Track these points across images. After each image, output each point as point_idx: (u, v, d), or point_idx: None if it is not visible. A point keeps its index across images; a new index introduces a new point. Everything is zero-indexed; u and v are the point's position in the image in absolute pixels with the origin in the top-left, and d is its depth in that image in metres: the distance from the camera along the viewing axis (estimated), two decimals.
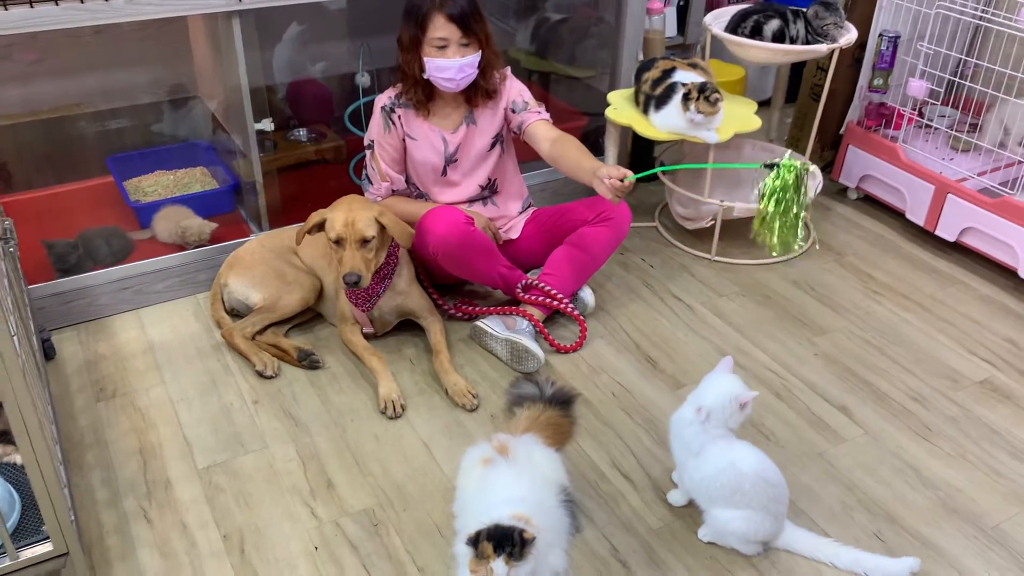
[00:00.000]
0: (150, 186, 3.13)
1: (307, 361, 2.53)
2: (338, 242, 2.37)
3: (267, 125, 2.76)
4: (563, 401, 2.28)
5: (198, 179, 3.19)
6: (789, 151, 2.39)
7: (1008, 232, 2.86)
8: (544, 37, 3.07)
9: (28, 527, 1.68)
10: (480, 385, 2.47)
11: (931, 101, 3.17)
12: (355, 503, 2.10)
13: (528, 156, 2.92)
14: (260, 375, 2.48)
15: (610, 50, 3.32)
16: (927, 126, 3.34)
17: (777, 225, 2.38)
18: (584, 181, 2.58)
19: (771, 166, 2.31)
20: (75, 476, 2.16)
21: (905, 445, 2.32)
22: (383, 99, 2.65)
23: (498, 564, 1.68)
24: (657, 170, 2.60)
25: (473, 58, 2.49)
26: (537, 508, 1.83)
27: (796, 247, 2.41)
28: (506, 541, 1.70)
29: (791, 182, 2.33)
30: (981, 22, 3.14)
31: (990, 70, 3.05)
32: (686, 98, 2.75)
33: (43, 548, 1.63)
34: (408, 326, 2.68)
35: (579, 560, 1.97)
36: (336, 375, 2.52)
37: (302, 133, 3.41)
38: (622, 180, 2.38)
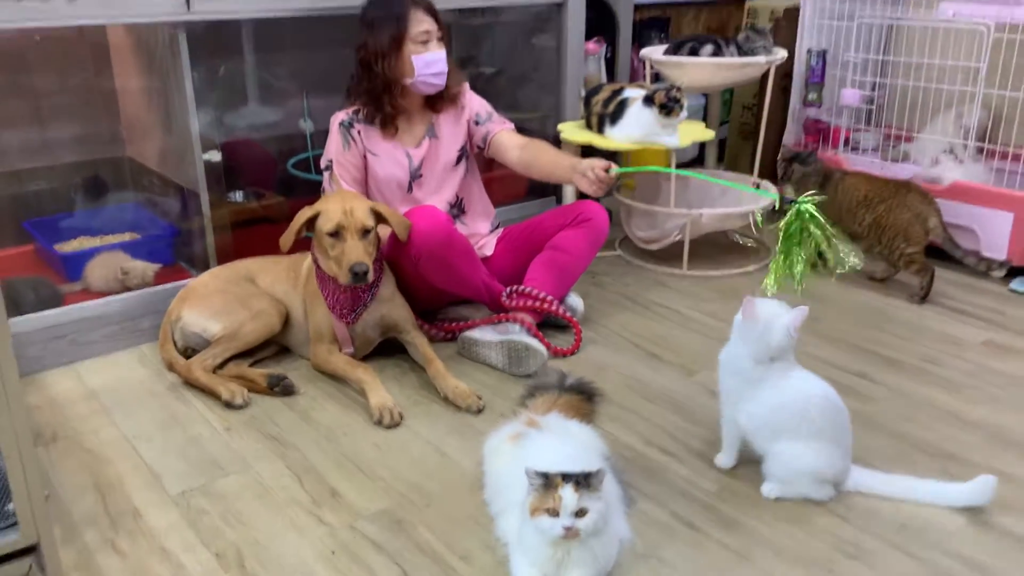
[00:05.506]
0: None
1: (280, 387, 2.23)
2: (336, 234, 2.17)
3: (215, 156, 2.57)
4: (582, 390, 2.09)
5: None
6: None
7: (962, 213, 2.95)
8: (483, 90, 3.07)
9: None
10: (481, 393, 2.23)
11: (860, 127, 3.31)
12: (369, 506, 1.79)
13: (497, 196, 2.85)
14: (228, 405, 2.17)
15: (551, 93, 3.35)
16: (854, 149, 3.46)
17: (784, 262, 1.90)
18: (563, 180, 2.50)
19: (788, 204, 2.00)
20: None
21: (934, 396, 2.21)
22: (340, 116, 2.53)
23: (566, 490, 1.44)
24: (643, 169, 2.55)
25: (445, 52, 2.44)
26: (588, 468, 1.60)
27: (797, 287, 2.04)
28: (573, 477, 1.47)
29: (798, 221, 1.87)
30: (900, 21, 3.31)
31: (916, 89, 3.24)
32: (650, 101, 2.74)
33: (8, 537, 1.27)
34: (385, 350, 2.43)
35: (640, 528, 1.71)
36: (315, 398, 2.23)
37: (239, 195, 3.22)
38: (607, 171, 2.32)
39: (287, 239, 2.22)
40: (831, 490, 1.79)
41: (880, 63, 3.37)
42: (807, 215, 1.85)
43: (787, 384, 1.75)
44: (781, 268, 1.91)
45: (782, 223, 1.90)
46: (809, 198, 1.87)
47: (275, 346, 2.44)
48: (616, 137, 2.88)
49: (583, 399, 2.07)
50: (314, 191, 2.72)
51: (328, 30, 2.88)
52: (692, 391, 2.25)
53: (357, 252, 2.15)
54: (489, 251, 2.67)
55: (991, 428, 2.07)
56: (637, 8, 4.01)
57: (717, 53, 3.15)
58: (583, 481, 1.46)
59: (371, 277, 2.17)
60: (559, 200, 3.37)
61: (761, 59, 3.07)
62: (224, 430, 2.08)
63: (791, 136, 3.46)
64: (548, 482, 1.47)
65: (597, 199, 2.80)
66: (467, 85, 2.66)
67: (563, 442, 1.72)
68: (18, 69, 2.75)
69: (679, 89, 2.74)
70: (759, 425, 1.78)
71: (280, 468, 1.92)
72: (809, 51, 3.32)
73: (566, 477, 1.46)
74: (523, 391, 2.09)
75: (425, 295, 2.51)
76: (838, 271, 1.89)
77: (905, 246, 2.75)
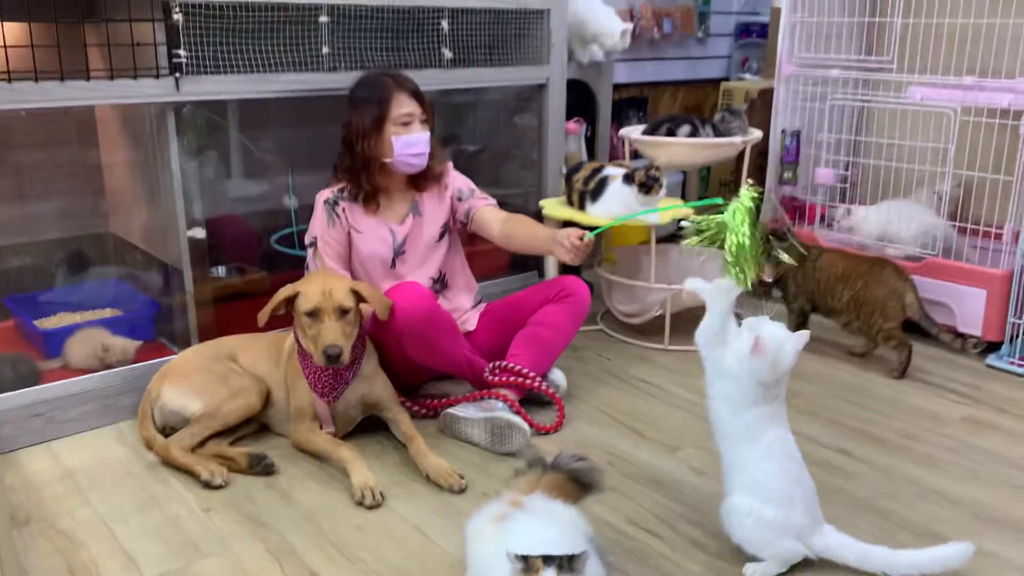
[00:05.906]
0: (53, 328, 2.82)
1: (260, 466, 2.20)
2: (313, 314, 2.18)
3: (199, 233, 2.58)
4: (572, 468, 2.05)
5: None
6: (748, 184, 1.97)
7: (937, 289, 3.00)
8: (465, 167, 3.14)
9: None
10: (464, 471, 2.21)
11: (835, 204, 3.39)
12: None
13: (480, 271, 2.87)
14: (207, 485, 2.13)
15: (533, 170, 3.42)
16: (830, 226, 3.53)
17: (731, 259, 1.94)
18: (542, 250, 2.55)
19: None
20: None
21: (915, 473, 2.22)
22: (326, 194, 2.56)
23: (548, 574, 1.44)
24: (612, 223, 2.60)
25: (429, 134, 2.50)
26: (571, 551, 1.59)
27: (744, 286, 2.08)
28: (555, 560, 1.46)
29: (731, 219, 1.90)
30: (870, 103, 3.42)
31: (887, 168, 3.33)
32: (630, 179, 2.80)
33: None
34: (366, 427, 2.42)
35: None
36: (296, 477, 2.20)
37: (222, 271, 3.23)
38: (581, 239, 2.37)
39: (263, 316, 2.23)
40: (801, 547, 1.79)
41: (853, 143, 3.47)
42: (738, 214, 1.84)
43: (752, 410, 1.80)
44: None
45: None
46: (749, 193, 1.87)
47: (255, 424, 2.42)
48: (597, 214, 2.93)
49: (565, 477, 2.05)
50: (298, 267, 2.74)
51: (314, 108, 2.93)
52: (675, 468, 2.25)
53: (333, 334, 2.16)
54: (472, 326, 2.68)
55: (974, 506, 2.08)
56: (616, 88, 4.13)
57: (694, 133, 3.23)
58: (566, 564, 1.45)
59: (346, 359, 2.17)
60: (541, 274, 3.40)
61: (737, 139, 3.15)
62: (203, 511, 2.04)
63: (767, 214, 3.53)
64: (528, 566, 1.45)
65: (578, 272, 2.83)
66: (450, 164, 2.71)
67: (545, 523, 1.70)
68: (2, 144, 2.77)
69: (658, 168, 2.80)
70: (714, 417, 1.86)
71: (259, 550, 1.89)
72: (783, 131, 3.42)
73: (548, 560, 1.45)
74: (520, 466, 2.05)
75: (407, 371, 2.50)
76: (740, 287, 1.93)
77: (883, 321, 2.79)
